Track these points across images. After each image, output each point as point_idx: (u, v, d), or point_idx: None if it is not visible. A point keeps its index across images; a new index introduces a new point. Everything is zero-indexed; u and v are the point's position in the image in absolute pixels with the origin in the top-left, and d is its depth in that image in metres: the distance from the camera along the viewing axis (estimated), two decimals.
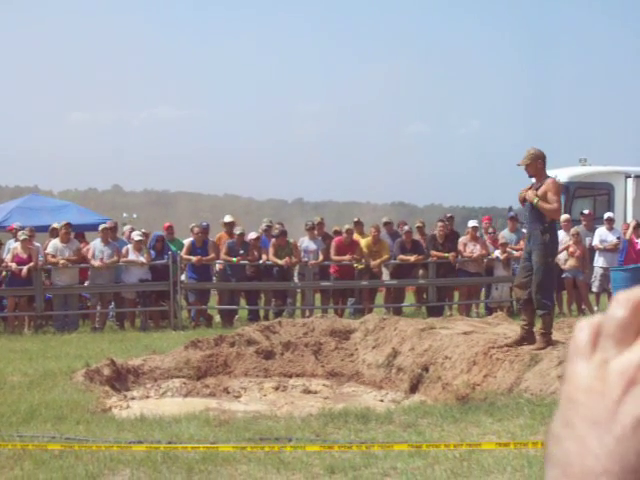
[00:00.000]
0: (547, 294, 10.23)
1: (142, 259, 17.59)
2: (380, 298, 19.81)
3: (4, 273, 17.53)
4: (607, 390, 0.61)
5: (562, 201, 23.02)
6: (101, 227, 18.07)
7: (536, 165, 10.26)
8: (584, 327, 0.66)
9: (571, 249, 18.56)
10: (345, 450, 6.66)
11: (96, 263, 17.28)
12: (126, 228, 19.90)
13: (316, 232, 18.73)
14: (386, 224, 19.47)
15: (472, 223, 18.98)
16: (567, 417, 0.63)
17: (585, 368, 0.64)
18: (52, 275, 17.52)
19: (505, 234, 19.14)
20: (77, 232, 18.83)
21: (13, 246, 17.53)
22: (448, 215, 19.65)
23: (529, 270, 10.26)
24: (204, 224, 18.87)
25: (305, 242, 18.59)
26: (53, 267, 17.37)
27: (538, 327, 10.23)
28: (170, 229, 19.04)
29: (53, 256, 17.30)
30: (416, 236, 19.03)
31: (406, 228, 18.85)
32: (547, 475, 0.64)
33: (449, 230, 18.76)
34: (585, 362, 0.64)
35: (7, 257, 17.37)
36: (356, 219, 19.66)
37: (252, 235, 18.37)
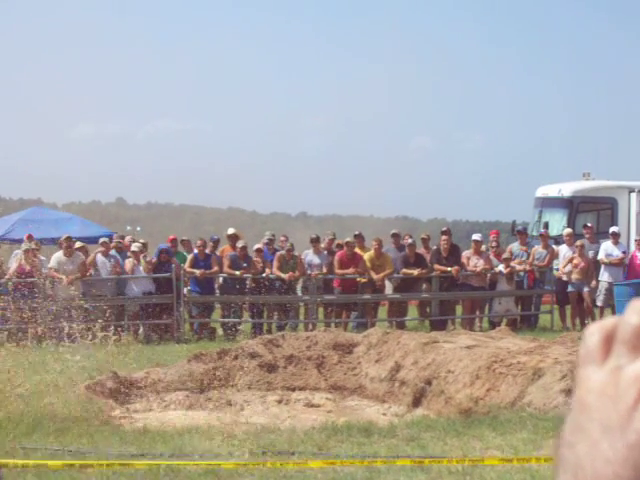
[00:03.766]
0: None
1: (141, 269, 17.59)
2: (383, 312, 19.78)
3: (9, 284, 17.47)
4: (621, 396, 0.61)
5: (565, 215, 23.27)
6: (100, 240, 18.08)
7: None
8: (594, 332, 0.66)
9: (575, 261, 18.56)
10: (348, 465, 6.65)
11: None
12: (127, 239, 19.84)
13: (323, 246, 18.80)
14: (394, 236, 19.40)
15: (475, 237, 18.98)
16: (579, 422, 0.63)
17: (598, 373, 0.63)
18: (55, 288, 17.49)
19: (514, 247, 19.18)
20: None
21: (17, 257, 17.54)
22: (444, 229, 19.48)
23: None
24: (214, 237, 18.95)
25: (309, 256, 18.59)
26: (57, 280, 17.37)
27: None
28: (174, 242, 19.06)
29: (56, 270, 17.28)
30: (421, 248, 19.01)
31: (409, 241, 18.79)
32: None
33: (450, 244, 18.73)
34: (598, 367, 0.64)
35: (12, 267, 17.36)
36: (357, 232, 19.53)
37: (256, 246, 18.44)
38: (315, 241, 18.79)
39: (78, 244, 18.23)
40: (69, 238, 17.65)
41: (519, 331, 16.32)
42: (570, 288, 18.58)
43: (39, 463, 6.74)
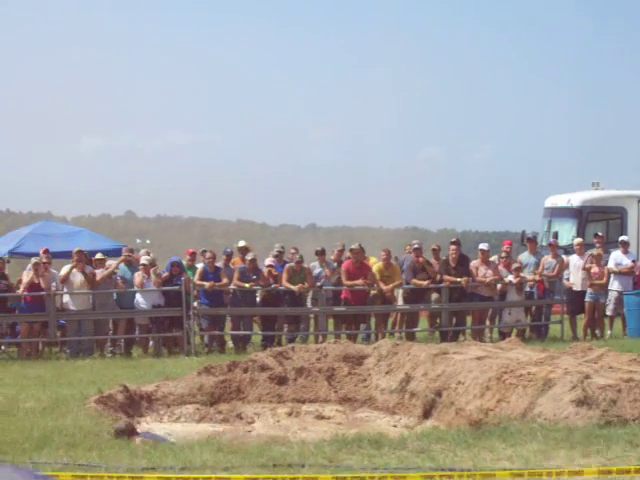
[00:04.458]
0: None
1: (151, 283, 17.63)
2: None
3: (22, 296, 17.46)
4: None
5: (575, 224, 23.32)
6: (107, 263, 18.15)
7: None
8: None
9: (593, 270, 18.52)
10: None
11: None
12: (142, 252, 19.83)
13: (332, 258, 18.77)
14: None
15: (482, 246, 18.95)
16: None
17: None
18: (64, 300, 17.53)
19: (524, 256, 19.14)
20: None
21: (28, 271, 17.60)
22: (453, 239, 19.37)
23: None
24: (228, 250, 18.94)
25: (318, 268, 18.56)
26: (66, 292, 17.43)
27: None
28: (193, 255, 19.07)
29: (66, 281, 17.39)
30: (431, 259, 18.86)
31: (416, 246, 18.66)
32: None
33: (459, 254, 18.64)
34: None
35: (24, 281, 17.40)
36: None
37: (267, 261, 18.42)
38: (320, 253, 18.77)
39: (99, 256, 18.25)
40: (80, 251, 17.72)
41: (529, 341, 16.29)
42: (588, 298, 18.50)
43: (49, 475, 6.74)
